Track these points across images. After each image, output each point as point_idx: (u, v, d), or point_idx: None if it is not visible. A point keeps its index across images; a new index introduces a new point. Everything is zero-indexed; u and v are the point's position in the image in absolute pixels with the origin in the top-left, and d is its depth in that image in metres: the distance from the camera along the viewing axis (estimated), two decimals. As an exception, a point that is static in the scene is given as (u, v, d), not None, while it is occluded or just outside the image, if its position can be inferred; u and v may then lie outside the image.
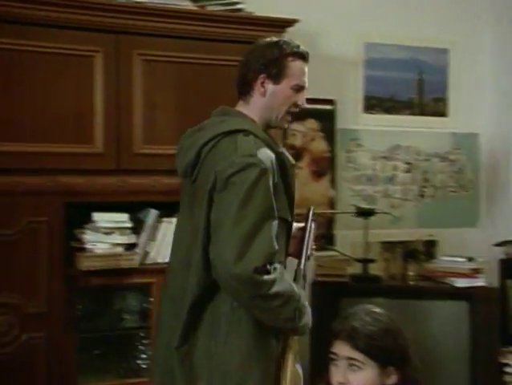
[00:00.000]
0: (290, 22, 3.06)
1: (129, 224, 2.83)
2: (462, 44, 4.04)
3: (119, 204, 2.82)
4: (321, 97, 3.60)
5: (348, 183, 3.81)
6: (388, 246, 3.72)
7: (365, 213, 3.41)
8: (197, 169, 2.17)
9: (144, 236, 2.88)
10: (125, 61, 2.80)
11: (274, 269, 2.01)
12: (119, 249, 2.80)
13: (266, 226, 2.03)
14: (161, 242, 2.91)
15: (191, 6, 2.96)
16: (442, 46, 4.01)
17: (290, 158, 2.27)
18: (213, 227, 2.06)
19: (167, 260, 2.90)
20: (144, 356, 2.94)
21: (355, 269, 3.38)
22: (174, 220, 2.91)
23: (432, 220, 3.98)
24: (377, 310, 1.96)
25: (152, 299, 2.87)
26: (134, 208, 2.90)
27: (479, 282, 3.35)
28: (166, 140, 2.86)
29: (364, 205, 3.62)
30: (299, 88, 2.24)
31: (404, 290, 3.38)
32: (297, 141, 3.63)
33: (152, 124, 2.87)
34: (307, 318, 2.09)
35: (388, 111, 3.89)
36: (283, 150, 2.24)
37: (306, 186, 3.66)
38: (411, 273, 3.52)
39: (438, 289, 3.34)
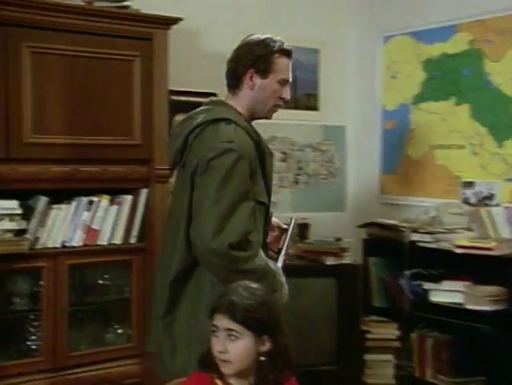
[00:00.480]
0: (174, 20, 3.10)
1: (19, 211, 2.80)
2: (330, 45, 4.17)
3: (9, 192, 2.78)
4: (204, 90, 3.65)
5: None
6: None
7: None
8: (185, 155, 2.23)
9: (34, 222, 2.86)
10: (14, 53, 2.76)
11: (250, 246, 2.09)
12: (9, 235, 2.76)
13: (242, 206, 2.10)
14: (51, 228, 2.91)
15: (79, 1, 2.93)
16: (313, 46, 4.11)
17: (269, 148, 2.34)
18: (193, 207, 2.14)
19: (57, 245, 2.92)
20: (33, 337, 2.92)
21: None
22: (64, 206, 2.94)
23: (305, 204, 4.09)
24: (254, 285, 1.98)
25: (42, 283, 2.86)
26: (25, 195, 2.87)
27: (345, 260, 3.52)
28: (55, 130, 2.88)
29: None
30: (284, 82, 2.31)
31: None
32: None
33: (41, 115, 2.84)
34: (283, 294, 2.18)
35: None
36: (263, 140, 2.29)
37: None
38: None
39: (310, 267, 3.46)
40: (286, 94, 2.35)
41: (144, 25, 3.04)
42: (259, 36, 2.32)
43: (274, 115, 4.02)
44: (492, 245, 3.19)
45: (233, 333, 1.85)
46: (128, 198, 3.10)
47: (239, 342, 1.86)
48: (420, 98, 3.91)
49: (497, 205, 3.41)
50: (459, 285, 3.33)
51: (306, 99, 4.11)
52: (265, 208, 2.30)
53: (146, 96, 3.07)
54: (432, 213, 3.56)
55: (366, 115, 4.21)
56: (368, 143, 4.20)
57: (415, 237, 3.50)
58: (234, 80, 2.33)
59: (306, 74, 4.10)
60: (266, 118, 2.41)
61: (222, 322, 1.86)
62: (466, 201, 3.58)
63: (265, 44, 2.29)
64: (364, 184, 4.22)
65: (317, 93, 4.15)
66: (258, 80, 2.28)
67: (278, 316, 1.96)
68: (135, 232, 3.11)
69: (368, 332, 3.55)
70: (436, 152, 3.83)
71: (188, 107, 3.56)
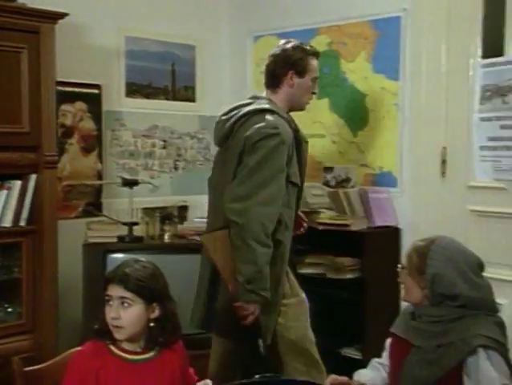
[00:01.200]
0: (61, 15, 3.10)
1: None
2: (205, 42, 4.21)
3: None
4: (88, 82, 3.66)
5: (114, 157, 3.83)
6: (148, 211, 3.74)
7: (130, 183, 3.47)
8: (230, 140, 2.43)
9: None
10: None
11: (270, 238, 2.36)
12: None
13: (274, 182, 2.33)
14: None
15: (-34, -6, 2.87)
16: (190, 42, 4.13)
17: (305, 137, 2.58)
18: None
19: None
20: None
21: (122, 231, 3.41)
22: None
23: (184, 188, 4.11)
24: (143, 259, 2.06)
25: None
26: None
27: None
28: None
29: (128, 177, 3.67)
30: (316, 80, 2.60)
31: (162, 247, 3.47)
32: (67, 121, 3.60)
33: None
34: (258, 289, 2.35)
35: (147, 96, 3.96)
36: (300, 129, 2.54)
37: (77, 160, 3.65)
38: (168, 234, 3.58)
39: (190, 245, 3.44)
40: (317, 89, 2.67)
41: (31, 19, 3.02)
42: (294, 42, 2.61)
43: (155, 106, 4.13)
44: (349, 222, 3.30)
45: (126, 301, 1.91)
46: (18, 183, 3.08)
47: (131, 309, 1.92)
48: None
49: (352, 187, 3.56)
50: (322, 258, 3.45)
51: (184, 91, 4.15)
52: (297, 189, 2.52)
53: (34, 87, 3.06)
54: (298, 195, 3.68)
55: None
56: None
57: None
58: (274, 80, 2.58)
59: (185, 68, 4.14)
60: (301, 110, 2.68)
61: (116, 291, 1.91)
62: (327, 184, 3.68)
63: (301, 49, 2.58)
64: None
65: (194, 86, 4.19)
66: (296, 80, 2.55)
67: (166, 286, 2.05)
68: (24, 215, 3.09)
69: None
70: (301, 141, 4.00)
71: (73, 97, 3.61)
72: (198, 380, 2.00)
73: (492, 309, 1.96)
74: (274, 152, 2.36)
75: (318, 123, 3.86)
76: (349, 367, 2.14)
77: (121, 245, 3.34)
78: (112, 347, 1.98)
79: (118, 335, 1.94)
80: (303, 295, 2.72)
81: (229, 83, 4.35)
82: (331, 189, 3.61)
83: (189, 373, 2.11)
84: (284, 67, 2.58)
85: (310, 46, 2.68)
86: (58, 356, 2.09)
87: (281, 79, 2.58)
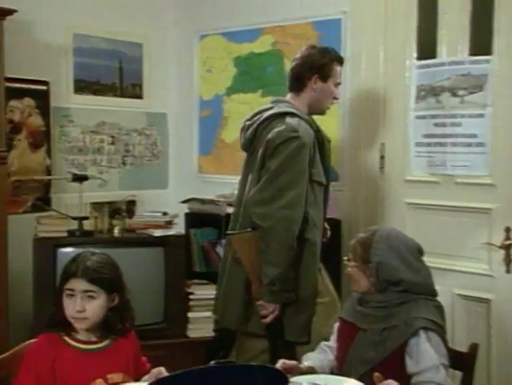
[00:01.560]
0: (9, 12, 3.04)
1: None
2: (152, 40, 4.20)
3: None
4: (37, 78, 3.60)
5: (62, 153, 3.80)
6: (97, 206, 3.75)
7: (80, 178, 3.45)
8: (254, 144, 2.44)
9: None
10: None
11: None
12: None
13: (296, 185, 2.34)
14: None
15: None
16: (137, 40, 4.11)
17: (327, 136, 2.58)
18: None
19: None
20: None
21: (72, 225, 3.37)
22: None
23: (132, 183, 4.11)
24: (98, 252, 2.05)
25: None
26: None
27: (171, 232, 3.56)
28: None
29: (77, 172, 3.63)
30: (338, 85, 2.60)
31: (112, 241, 3.43)
32: (15, 116, 3.55)
33: None
34: (281, 290, 2.41)
35: (95, 92, 3.93)
36: (321, 130, 2.53)
37: (25, 156, 3.60)
38: (117, 228, 3.54)
39: (141, 239, 3.48)
40: (339, 94, 2.67)
41: (-20, 15, 2.96)
42: (320, 47, 2.62)
43: (103, 103, 4.08)
44: None
45: (91, 293, 1.93)
46: (-33, 179, 3.02)
47: (96, 300, 1.94)
48: (232, 90, 4.04)
49: None
50: None
51: (132, 88, 4.13)
52: (324, 188, 2.52)
53: (-18, 82, 3.00)
54: (243, 189, 3.73)
55: (185, 104, 4.29)
56: (187, 129, 4.28)
57: (230, 209, 3.44)
58: (298, 83, 2.58)
59: (132, 65, 4.12)
60: (323, 114, 2.66)
61: (80, 284, 1.92)
62: None
63: (326, 54, 2.57)
64: (184, 164, 4.30)
65: (142, 83, 4.18)
66: (320, 84, 2.55)
67: (122, 275, 2.08)
68: (-26, 210, 3.04)
69: (191, 293, 3.62)
70: (246, 137, 4.05)
71: (22, 93, 3.55)
72: (150, 368, 2.02)
73: (431, 292, 2.07)
74: (295, 155, 2.36)
75: (263, 121, 3.91)
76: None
77: (71, 239, 3.31)
78: (67, 338, 1.99)
79: (80, 326, 1.95)
80: (335, 294, 2.73)
81: (176, 81, 4.36)
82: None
83: (142, 361, 2.14)
84: (309, 71, 2.57)
85: (335, 51, 2.67)
86: (12, 349, 2.07)
87: (304, 83, 2.58)
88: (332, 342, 2.20)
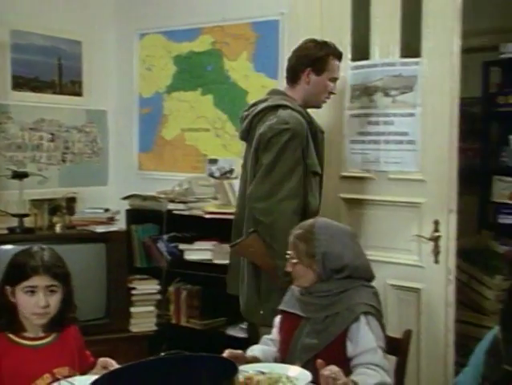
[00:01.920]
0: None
1: None
2: (92, 37, 4.15)
3: None
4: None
5: (1, 150, 3.71)
6: (37, 203, 3.66)
7: (20, 175, 3.40)
8: (250, 135, 2.44)
9: None
10: None
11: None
12: None
13: (292, 176, 2.33)
14: None
15: None
16: (76, 38, 4.06)
17: (320, 127, 2.56)
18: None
19: None
20: None
21: (12, 222, 3.34)
22: None
23: (72, 180, 4.05)
24: (45, 246, 2.00)
25: None
26: None
27: (113, 228, 3.57)
28: None
29: (15, 169, 3.55)
30: (334, 80, 2.57)
31: (53, 238, 3.40)
32: None
33: None
34: None
35: (34, 89, 3.85)
36: (315, 121, 2.52)
37: None
38: (58, 225, 3.53)
39: (83, 235, 3.47)
40: (335, 89, 2.64)
41: None
42: (319, 41, 2.58)
43: (42, 100, 4.00)
44: (233, 210, 3.28)
45: (53, 288, 1.93)
46: None
47: (56, 295, 1.95)
48: (172, 88, 4.05)
49: (236, 178, 3.60)
50: (208, 244, 3.53)
51: (71, 85, 4.07)
52: (319, 177, 2.53)
53: None
54: (185, 186, 3.69)
55: (125, 102, 4.26)
56: (127, 126, 4.26)
57: (171, 206, 3.62)
58: (293, 75, 2.57)
59: (71, 63, 4.06)
60: (318, 107, 2.65)
61: (43, 280, 1.90)
62: (212, 175, 3.76)
63: (323, 48, 2.55)
64: (125, 161, 4.28)
65: (81, 80, 4.12)
66: (313, 77, 2.53)
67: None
68: None
69: (133, 288, 3.63)
70: (186, 134, 4.00)
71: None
72: (94, 361, 2.01)
73: (370, 273, 2.15)
74: (287, 147, 2.35)
75: (203, 118, 3.93)
76: (235, 347, 2.18)
77: (12, 236, 3.27)
78: (12, 336, 1.96)
79: (41, 321, 1.94)
80: None
81: (116, 78, 4.32)
82: (216, 180, 3.70)
83: (86, 354, 2.14)
84: (303, 64, 2.57)
85: (334, 46, 2.66)
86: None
87: (298, 75, 2.58)
88: (274, 335, 2.23)
